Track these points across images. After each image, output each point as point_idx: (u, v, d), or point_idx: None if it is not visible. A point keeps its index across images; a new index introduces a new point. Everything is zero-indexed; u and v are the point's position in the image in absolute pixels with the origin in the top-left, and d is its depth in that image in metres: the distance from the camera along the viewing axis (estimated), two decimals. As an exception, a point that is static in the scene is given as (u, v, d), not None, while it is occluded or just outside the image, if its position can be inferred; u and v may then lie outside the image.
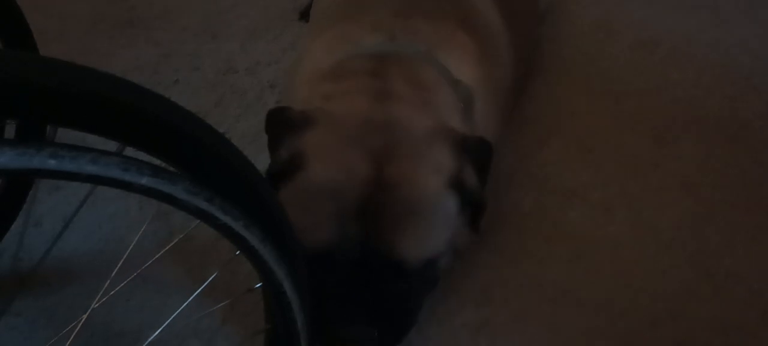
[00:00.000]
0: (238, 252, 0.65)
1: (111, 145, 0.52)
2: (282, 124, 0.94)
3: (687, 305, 1.06)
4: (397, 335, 0.95)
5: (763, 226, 1.17)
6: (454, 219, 0.93)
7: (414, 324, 0.97)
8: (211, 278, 0.79)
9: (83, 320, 0.68)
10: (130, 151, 0.52)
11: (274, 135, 0.96)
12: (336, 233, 0.87)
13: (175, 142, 0.54)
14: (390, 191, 0.87)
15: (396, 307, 0.93)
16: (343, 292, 0.89)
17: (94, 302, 0.69)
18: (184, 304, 0.78)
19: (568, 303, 1.07)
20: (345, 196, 0.87)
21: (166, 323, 0.76)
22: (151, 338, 0.75)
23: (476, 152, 0.95)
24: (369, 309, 0.90)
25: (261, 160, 1.29)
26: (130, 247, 0.74)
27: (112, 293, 0.71)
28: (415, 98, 0.96)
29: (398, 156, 0.89)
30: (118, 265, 0.72)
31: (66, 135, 0.48)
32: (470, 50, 1.10)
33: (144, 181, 0.52)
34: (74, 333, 0.69)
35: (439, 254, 0.92)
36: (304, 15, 1.68)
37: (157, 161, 0.54)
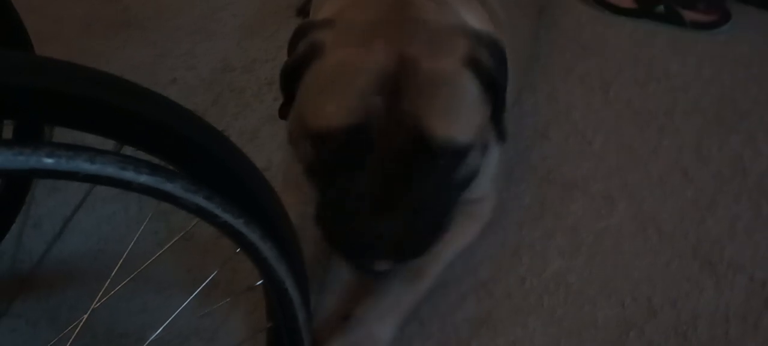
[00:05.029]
0: (238, 250, 0.65)
1: (110, 146, 0.51)
2: (304, 27, 0.96)
3: (689, 295, 1.06)
4: (427, 239, 0.91)
5: (764, 215, 1.17)
6: (476, 101, 0.92)
7: (443, 232, 0.93)
8: (211, 277, 0.78)
9: (84, 320, 0.67)
10: (128, 150, 0.52)
11: (296, 37, 0.97)
12: (360, 109, 0.85)
13: (174, 140, 0.54)
14: (410, 67, 0.87)
15: (426, 200, 0.88)
16: (371, 187, 0.85)
17: (95, 302, 0.68)
18: (185, 303, 0.78)
19: (570, 296, 1.07)
20: (365, 72, 0.87)
21: (167, 322, 0.76)
22: (153, 337, 0.75)
23: (491, 45, 0.95)
24: (398, 204, 0.85)
25: (260, 158, 1.30)
26: (130, 246, 0.74)
27: (113, 293, 0.71)
28: (433, 5, 0.97)
29: (415, 41, 0.89)
30: (118, 265, 0.72)
31: (64, 135, 0.48)
32: (484, 15, 1.10)
33: (142, 179, 0.52)
34: (75, 334, 0.68)
35: (467, 142, 0.91)
36: (301, 12, 1.67)
37: (155, 160, 0.54)
